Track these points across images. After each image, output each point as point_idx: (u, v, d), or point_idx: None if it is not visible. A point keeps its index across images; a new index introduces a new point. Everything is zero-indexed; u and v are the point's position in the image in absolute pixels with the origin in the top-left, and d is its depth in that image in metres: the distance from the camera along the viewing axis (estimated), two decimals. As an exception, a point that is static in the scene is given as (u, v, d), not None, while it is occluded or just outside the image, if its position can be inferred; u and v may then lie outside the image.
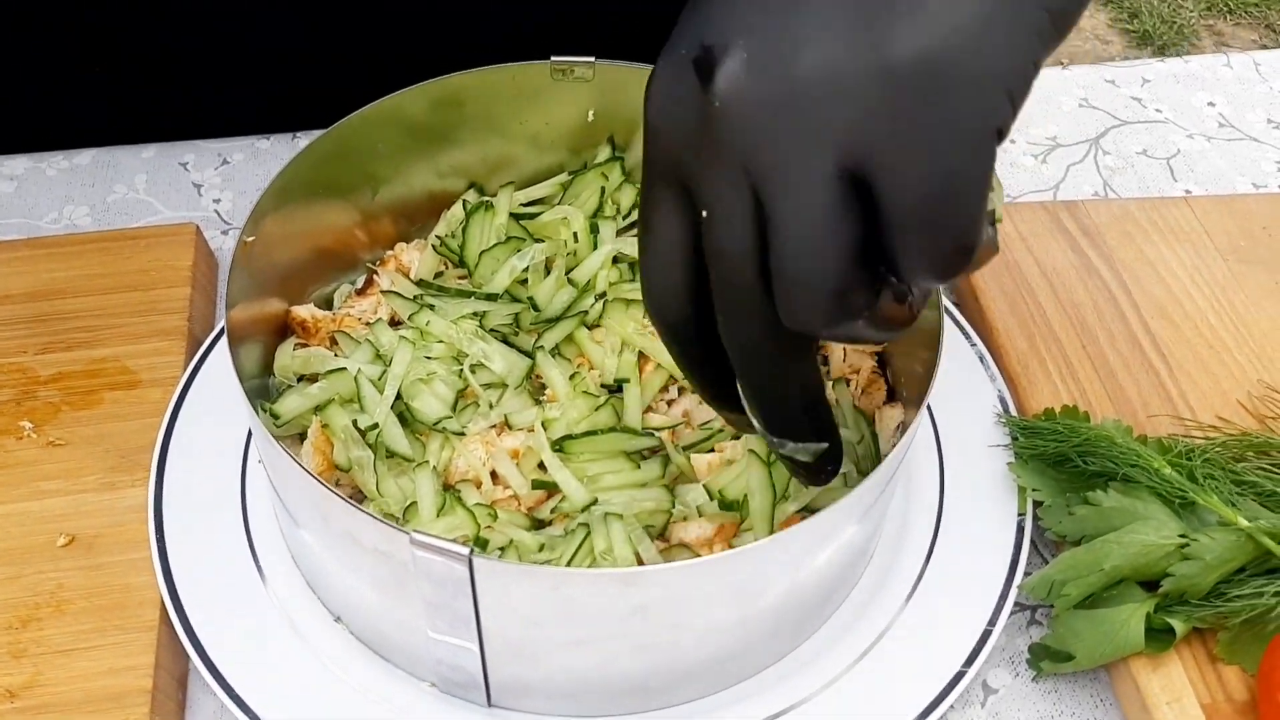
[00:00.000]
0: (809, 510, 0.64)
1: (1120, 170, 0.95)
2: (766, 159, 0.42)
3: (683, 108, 0.44)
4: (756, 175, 0.43)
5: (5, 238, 0.87)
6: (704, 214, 0.45)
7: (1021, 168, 0.95)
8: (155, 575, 0.64)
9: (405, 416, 0.68)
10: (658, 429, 0.67)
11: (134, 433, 0.72)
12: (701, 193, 0.45)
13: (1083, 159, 0.96)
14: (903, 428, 0.70)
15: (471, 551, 0.52)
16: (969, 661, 0.63)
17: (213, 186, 0.92)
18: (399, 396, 0.68)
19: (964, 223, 0.42)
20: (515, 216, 0.77)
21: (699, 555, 0.63)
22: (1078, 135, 0.98)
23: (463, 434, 0.68)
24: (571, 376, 0.70)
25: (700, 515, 0.64)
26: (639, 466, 0.66)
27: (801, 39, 0.41)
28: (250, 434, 0.72)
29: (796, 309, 0.44)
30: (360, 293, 0.75)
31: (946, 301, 0.81)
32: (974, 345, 0.78)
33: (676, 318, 0.50)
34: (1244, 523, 0.62)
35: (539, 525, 0.65)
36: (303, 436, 0.68)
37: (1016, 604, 0.68)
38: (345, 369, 0.68)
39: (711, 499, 0.65)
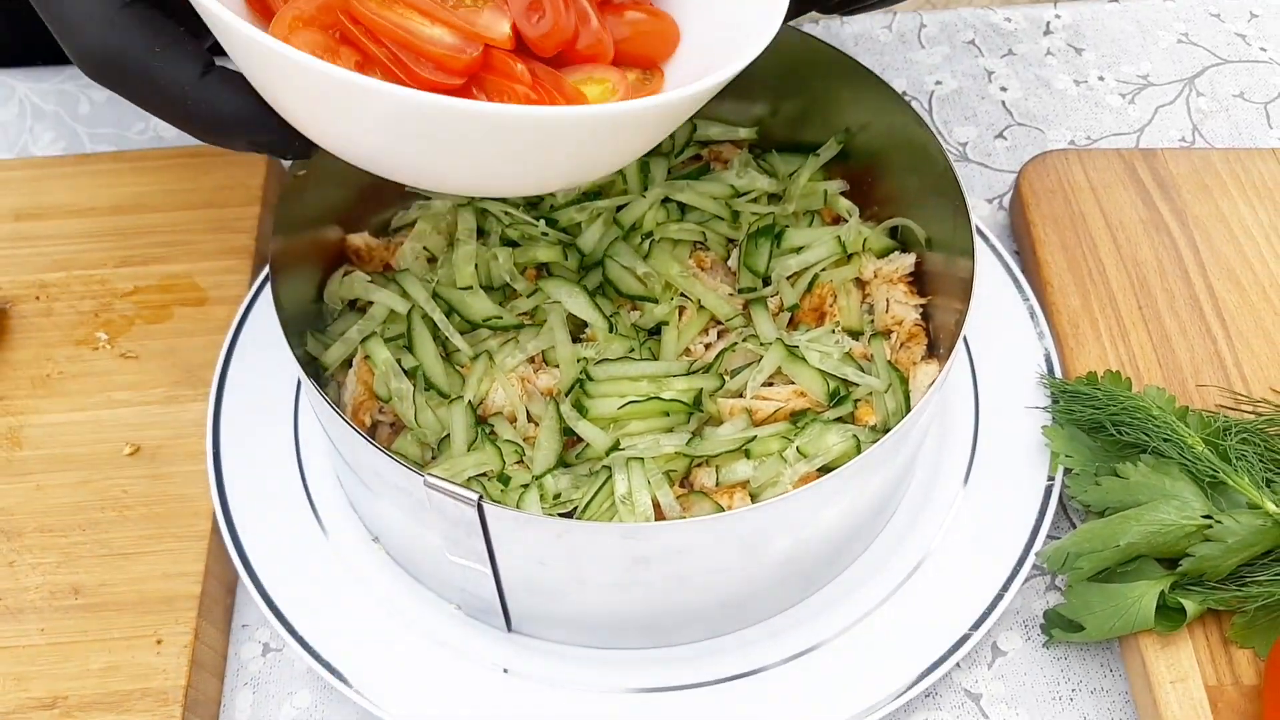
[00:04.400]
0: (827, 470, 0.65)
1: (1213, 114, 0.90)
2: None
3: None
4: None
5: (96, 148, 0.92)
6: None
7: (1106, 108, 0.91)
8: (210, 488, 0.69)
9: (447, 346, 0.71)
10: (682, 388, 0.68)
11: (200, 349, 0.76)
12: None
13: (1174, 100, 0.92)
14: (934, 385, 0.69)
15: (480, 498, 0.54)
16: (977, 624, 0.64)
17: (291, 102, 0.94)
18: (440, 297, 0.71)
19: None
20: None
21: (717, 503, 0.64)
22: (1172, 74, 0.93)
23: (518, 327, 0.71)
24: (612, 315, 0.72)
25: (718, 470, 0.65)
26: (667, 413, 0.67)
27: None
28: (305, 356, 0.75)
29: None
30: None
31: (1006, 252, 0.79)
32: (1027, 300, 0.77)
33: None
34: (1272, 507, 0.61)
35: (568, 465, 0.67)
36: (350, 362, 0.71)
37: (1037, 569, 0.68)
38: (391, 307, 0.70)
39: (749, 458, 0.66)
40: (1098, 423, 0.68)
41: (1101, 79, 0.93)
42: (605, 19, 0.58)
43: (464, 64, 0.51)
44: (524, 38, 0.54)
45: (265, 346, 0.76)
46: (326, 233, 0.74)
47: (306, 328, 0.71)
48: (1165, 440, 0.64)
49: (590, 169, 0.55)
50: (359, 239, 0.75)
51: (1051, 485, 0.68)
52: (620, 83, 0.57)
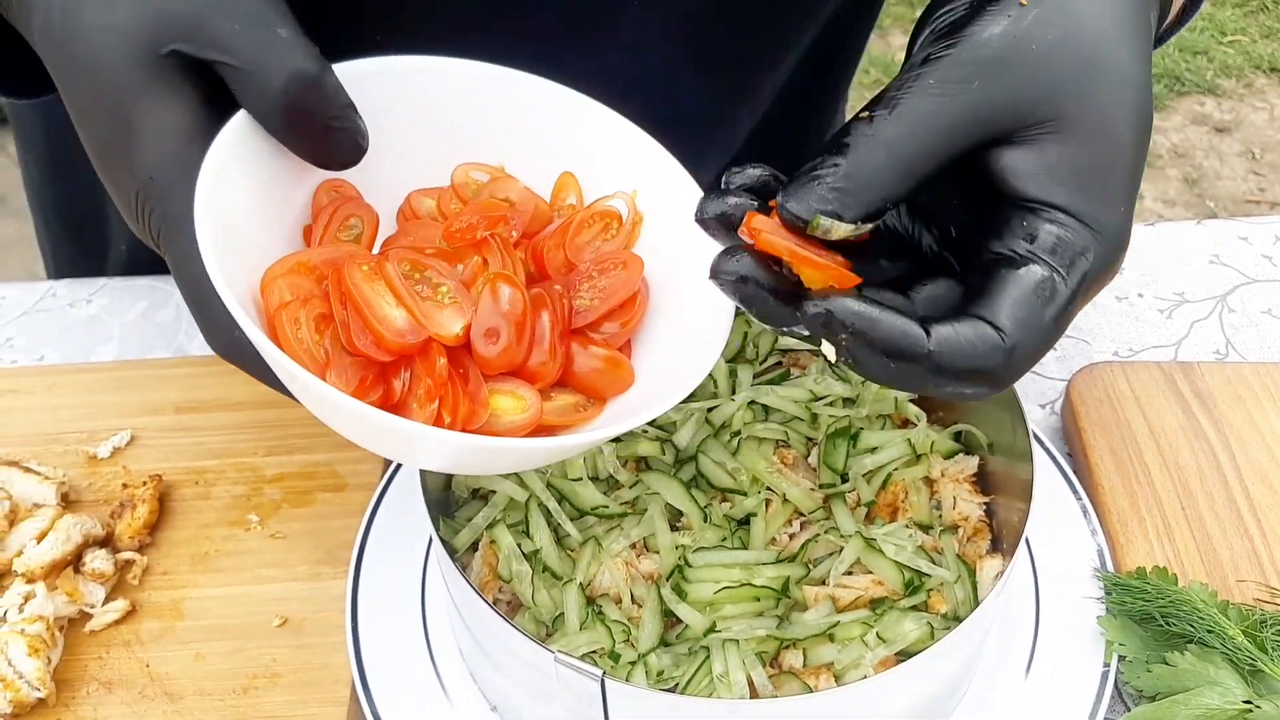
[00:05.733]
0: (904, 655, 0.73)
1: (1243, 329, 1.00)
2: None
3: None
4: None
5: (242, 346, 1.04)
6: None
7: (1146, 323, 1.01)
8: (349, 658, 0.78)
9: (558, 531, 0.80)
10: (773, 573, 0.76)
11: (339, 530, 0.86)
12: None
13: (1208, 315, 1.01)
14: (1000, 578, 0.77)
15: (604, 674, 0.62)
16: (1043, 800, 0.70)
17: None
18: (553, 488, 0.80)
19: None
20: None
21: (806, 683, 0.72)
22: (1205, 292, 1.03)
23: (622, 515, 0.79)
24: (706, 506, 0.81)
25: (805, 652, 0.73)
26: (758, 598, 0.76)
27: None
28: (431, 540, 0.85)
29: None
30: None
31: (1058, 454, 0.88)
32: (1080, 499, 0.85)
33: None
34: (1307, 696, 0.67)
35: (668, 642, 0.75)
36: (475, 545, 0.80)
37: (1096, 749, 0.74)
38: (511, 496, 0.80)
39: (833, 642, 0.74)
40: (1148, 614, 0.75)
41: (1141, 296, 1.03)
42: (570, 350, 0.64)
43: (398, 348, 0.58)
44: (473, 352, 0.60)
45: (396, 529, 0.85)
46: (455, 430, 0.84)
47: (439, 513, 0.80)
48: (1209, 631, 0.72)
49: (494, 469, 0.65)
50: (482, 436, 0.85)
51: (1107, 671, 0.75)
52: (534, 405, 0.61)
